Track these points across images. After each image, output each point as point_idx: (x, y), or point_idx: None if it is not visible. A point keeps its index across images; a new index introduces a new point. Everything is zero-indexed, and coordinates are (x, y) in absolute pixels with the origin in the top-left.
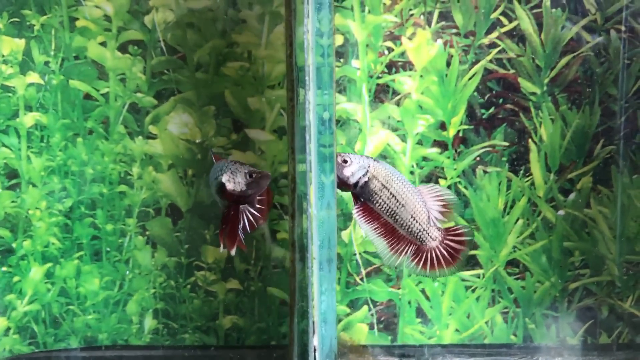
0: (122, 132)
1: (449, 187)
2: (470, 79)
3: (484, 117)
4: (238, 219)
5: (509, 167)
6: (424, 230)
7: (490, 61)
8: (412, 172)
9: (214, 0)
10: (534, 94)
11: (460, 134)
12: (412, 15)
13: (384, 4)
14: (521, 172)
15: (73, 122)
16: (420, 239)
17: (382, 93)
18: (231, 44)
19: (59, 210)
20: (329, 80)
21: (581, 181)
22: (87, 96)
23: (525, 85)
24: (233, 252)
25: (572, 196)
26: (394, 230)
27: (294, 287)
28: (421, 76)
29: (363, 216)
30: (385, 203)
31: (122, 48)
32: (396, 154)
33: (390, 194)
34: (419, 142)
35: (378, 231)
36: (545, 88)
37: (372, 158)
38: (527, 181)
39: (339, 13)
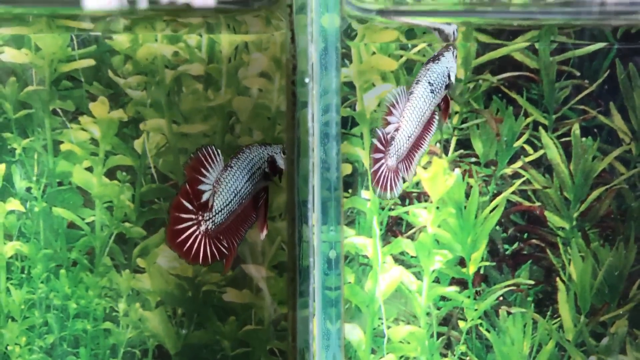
0: (108, 265)
1: (469, 330)
2: (491, 211)
3: (507, 253)
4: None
5: (535, 308)
6: None
7: (514, 193)
8: (428, 314)
9: (209, 125)
10: (562, 228)
11: (481, 271)
12: None
13: None
14: (548, 313)
15: (56, 252)
16: None
17: (394, 226)
18: None
19: (39, 347)
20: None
21: (615, 324)
22: (72, 225)
23: (553, 219)
24: (264, 235)
25: (605, 341)
26: None
27: None
28: (437, 208)
29: None
30: None
31: (110, 174)
32: (411, 293)
33: None
34: (436, 280)
35: None
36: (574, 223)
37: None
38: (555, 323)
39: (347, 141)
